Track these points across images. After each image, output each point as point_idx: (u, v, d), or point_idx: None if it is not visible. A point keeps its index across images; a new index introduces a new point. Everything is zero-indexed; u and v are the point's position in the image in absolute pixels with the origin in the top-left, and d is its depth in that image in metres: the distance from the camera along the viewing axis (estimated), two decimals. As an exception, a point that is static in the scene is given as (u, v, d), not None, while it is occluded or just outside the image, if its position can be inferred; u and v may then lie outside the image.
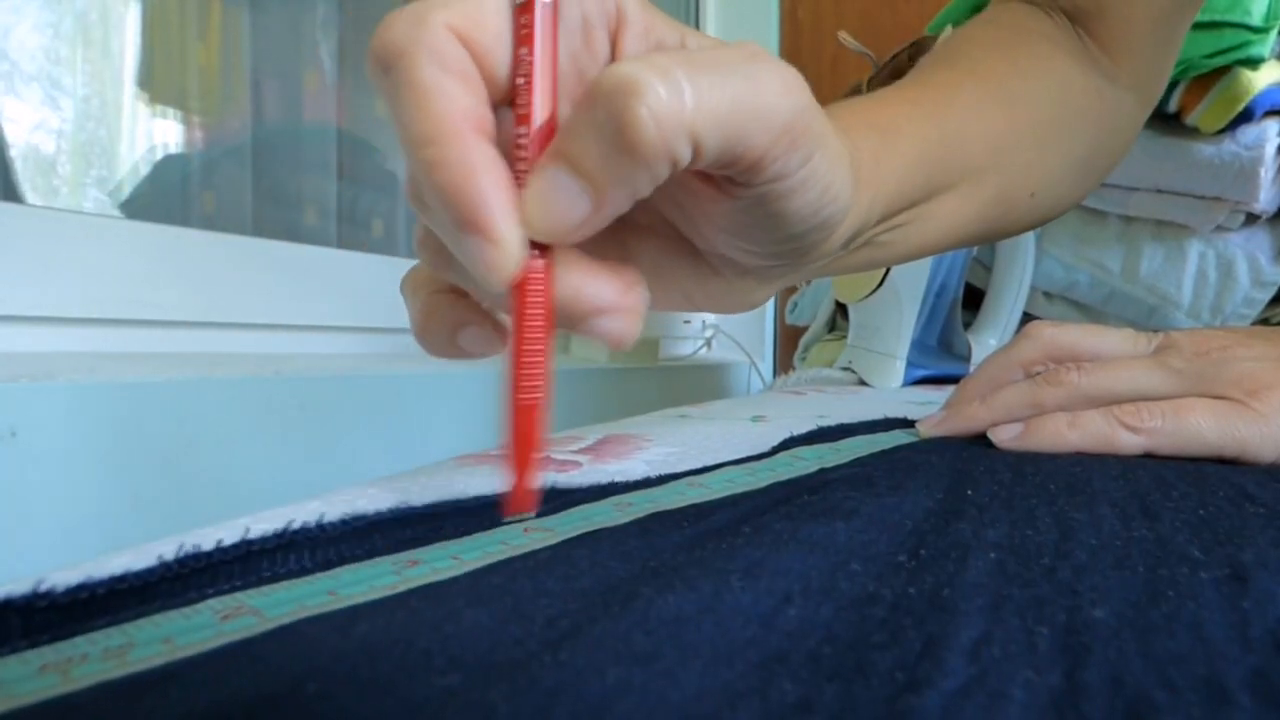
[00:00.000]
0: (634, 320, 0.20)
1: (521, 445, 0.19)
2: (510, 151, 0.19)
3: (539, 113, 0.19)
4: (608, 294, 0.19)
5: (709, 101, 0.18)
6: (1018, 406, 0.32)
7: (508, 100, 0.19)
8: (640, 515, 0.20)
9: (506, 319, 0.21)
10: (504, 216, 0.17)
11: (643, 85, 0.17)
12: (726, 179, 0.20)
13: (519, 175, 0.18)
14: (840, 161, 0.22)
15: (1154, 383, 0.30)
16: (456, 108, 0.18)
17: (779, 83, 0.19)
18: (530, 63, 0.18)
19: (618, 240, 0.21)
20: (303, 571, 0.16)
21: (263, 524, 0.18)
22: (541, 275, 0.19)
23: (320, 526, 0.18)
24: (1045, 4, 0.44)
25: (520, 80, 0.19)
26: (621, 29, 0.20)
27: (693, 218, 0.23)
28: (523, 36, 0.18)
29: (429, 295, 0.22)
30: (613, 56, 0.21)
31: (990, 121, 0.36)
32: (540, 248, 0.19)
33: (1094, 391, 0.30)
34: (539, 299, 0.19)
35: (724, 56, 0.19)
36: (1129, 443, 0.29)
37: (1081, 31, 0.43)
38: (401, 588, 0.15)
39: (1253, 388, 0.28)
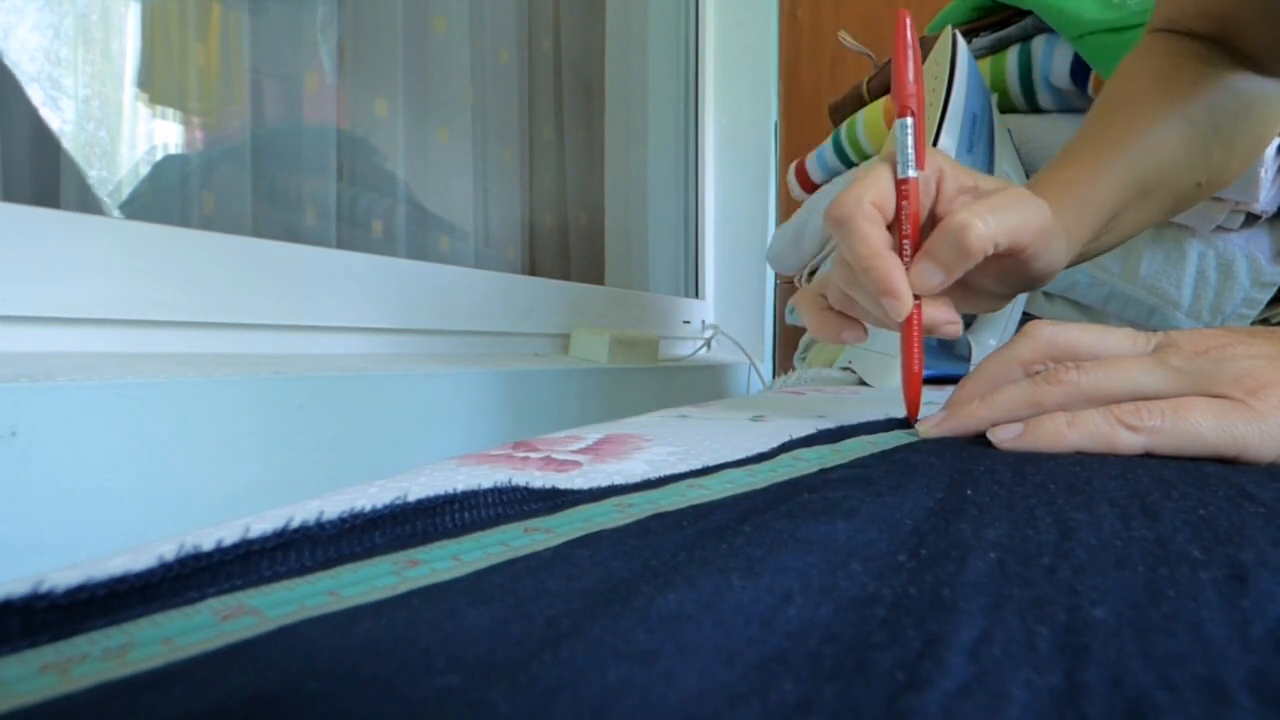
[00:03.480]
0: (959, 326, 0.38)
1: (913, 393, 0.38)
2: (897, 251, 0.37)
3: (912, 232, 0.37)
4: (948, 315, 0.37)
5: (1002, 225, 0.36)
6: (1018, 406, 0.32)
7: (890, 225, 0.37)
8: (641, 516, 0.20)
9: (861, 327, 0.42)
10: (906, 290, 0.36)
11: (973, 222, 0.35)
12: (1005, 255, 0.37)
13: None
14: (1061, 238, 0.40)
15: (1154, 382, 0.30)
16: (880, 241, 0.36)
17: (1036, 209, 0.37)
18: (909, 209, 0.37)
19: None
20: (303, 570, 0.16)
21: (263, 524, 0.18)
22: (918, 312, 0.37)
23: (320, 524, 0.18)
24: (1188, 32, 0.52)
25: (904, 215, 0.37)
26: (941, 180, 0.38)
27: (974, 273, 0.37)
28: (901, 194, 0.37)
29: (819, 312, 0.42)
30: (936, 195, 0.38)
31: (1159, 153, 0.48)
32: (916, 298, 0.36)
33: (1094, 390, 0.30)
34: (917, 322, 0.37)
35: (1006, 198, 0.37)
36: (1129, 442, 0.28)
37: (1229, 47, 0.51)
38: (403, 588, 0.15)
39: (1252, 386, 0.28)
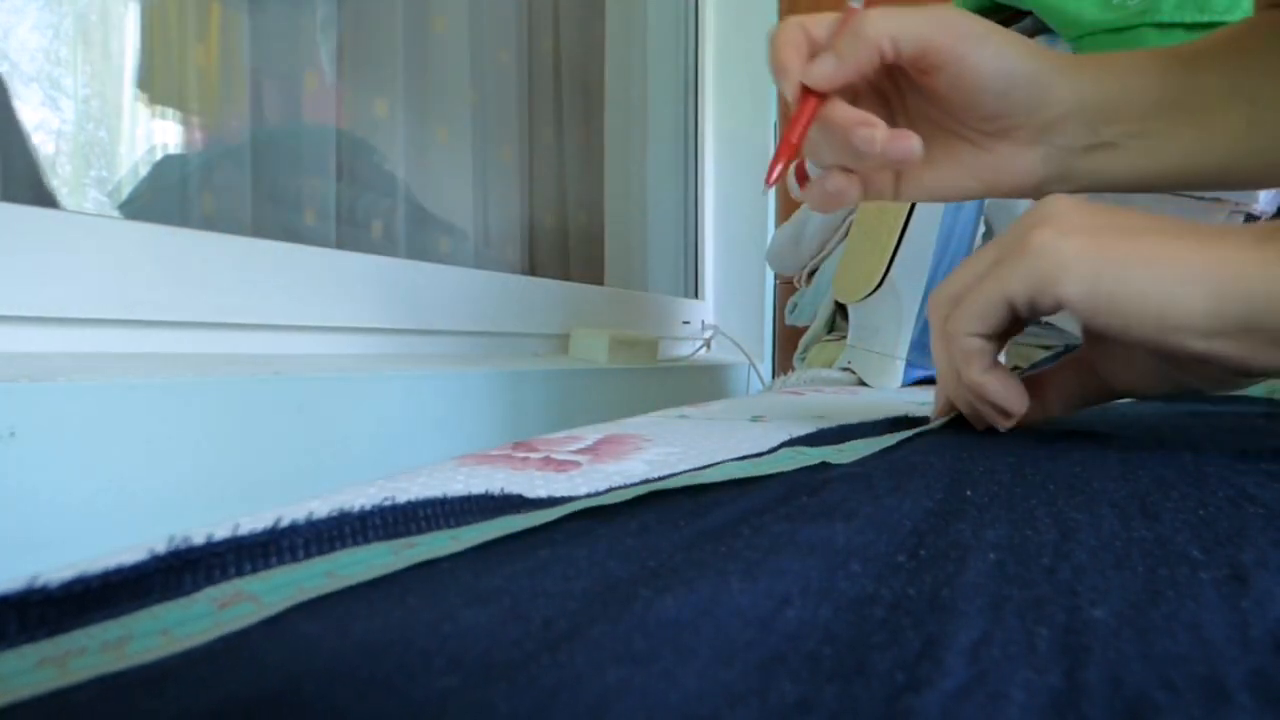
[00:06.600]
0: (874, 132, 0.35)
1: (786, 151, 0.37)
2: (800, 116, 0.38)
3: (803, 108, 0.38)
4: (856, 116, 0.36)
5: (902, 22, 0.36)
6: (954, 396, 0.34)
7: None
8: (640, 494, 0.20)
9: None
10: (794, 63, 0.37)
11: (871, 13, 0.36)
12: (926, 75, 0.38)
13: None
14: (1010, 46, 0.37)
15: (977, 267, 0.31)
16: (792, 41, 0.38)
17: (955, 13, 0.37)
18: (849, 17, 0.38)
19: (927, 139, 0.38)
20: (297, 561, 0.16)
21: (255, 523, 0.18)
22: (814, 102, 0.37)
23: (310, 523, 0.17)
24: None
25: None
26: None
27: (939, 97, 0.39)
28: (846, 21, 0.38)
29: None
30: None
31: (1242, 72, 0.38)
32: (821, 96, 0.38)
33: (957, 330, 0.30)
34: (808, 108, 0.37)
35: (916, 7, 0.36)
36: (974, 361, 0.31)
37: None
38: (399, 565, 0.15)
39: (1020, 233, 0.28)
